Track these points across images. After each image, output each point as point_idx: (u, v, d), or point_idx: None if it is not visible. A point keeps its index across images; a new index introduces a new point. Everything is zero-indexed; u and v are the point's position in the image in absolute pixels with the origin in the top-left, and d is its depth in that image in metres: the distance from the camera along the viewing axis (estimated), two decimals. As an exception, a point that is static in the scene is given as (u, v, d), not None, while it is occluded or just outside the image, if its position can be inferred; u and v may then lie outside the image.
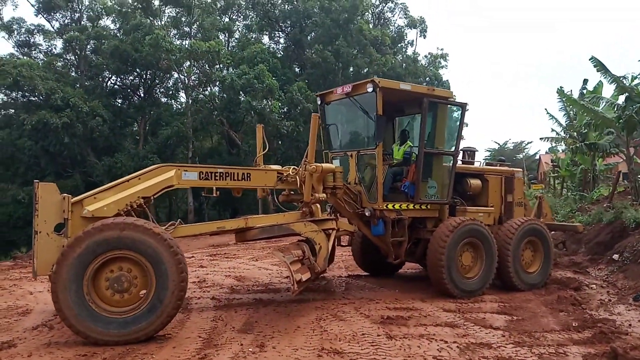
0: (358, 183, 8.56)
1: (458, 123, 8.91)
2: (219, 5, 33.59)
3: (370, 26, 32.83)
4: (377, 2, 36.64)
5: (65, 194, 5.79)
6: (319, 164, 7.53)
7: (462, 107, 8.88)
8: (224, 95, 29.27)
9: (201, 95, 30.38)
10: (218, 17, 32.95)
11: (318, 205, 7.74)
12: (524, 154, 67.30)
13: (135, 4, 30.34)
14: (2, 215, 27.16)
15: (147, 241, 5.57)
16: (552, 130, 26.62)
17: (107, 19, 32.22)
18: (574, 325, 6.43)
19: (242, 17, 35.48)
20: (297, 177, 7.46)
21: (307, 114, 25.83)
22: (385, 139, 10.31)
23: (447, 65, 40.69)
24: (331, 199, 8.14)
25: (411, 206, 8.45)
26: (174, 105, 34.73)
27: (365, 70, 30.71)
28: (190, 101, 29.91)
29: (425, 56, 41.67)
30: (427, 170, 8.50)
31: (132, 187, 6.09)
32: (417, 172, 8.32)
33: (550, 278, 9.28)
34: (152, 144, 29.90)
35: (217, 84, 30.27)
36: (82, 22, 31.77)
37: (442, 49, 40.07)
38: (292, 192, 7.99)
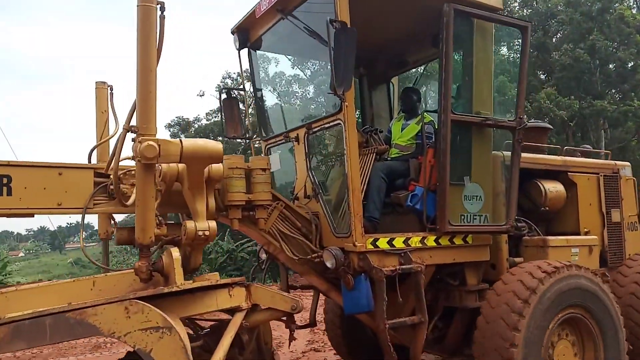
0: (313, 195, 4.05)
1: (519, 65, 4.50)
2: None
3: (634, 11, 27.80)
4: (642, -18, 31.02)
5: None
6: (172, 140, 2.82)
7: (524, 30, 4.30)
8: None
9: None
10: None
11: (175, 253, 3.03)
12: None
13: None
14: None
15: None
16: None
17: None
18: None
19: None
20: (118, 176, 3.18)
21: (559, 124, 23.40)
22: (376, 107, 5.53)
23: None
24: (249, 229, 3.72)
25: (431, 241, 3.95)
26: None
27: (630, 65, 26.15)
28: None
29: None
30: (461, 160, 4.13)
31: None
32: (439, 166, 3.95)
33: None
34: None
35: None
36: (325, 67, 35.92)
37: None
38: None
